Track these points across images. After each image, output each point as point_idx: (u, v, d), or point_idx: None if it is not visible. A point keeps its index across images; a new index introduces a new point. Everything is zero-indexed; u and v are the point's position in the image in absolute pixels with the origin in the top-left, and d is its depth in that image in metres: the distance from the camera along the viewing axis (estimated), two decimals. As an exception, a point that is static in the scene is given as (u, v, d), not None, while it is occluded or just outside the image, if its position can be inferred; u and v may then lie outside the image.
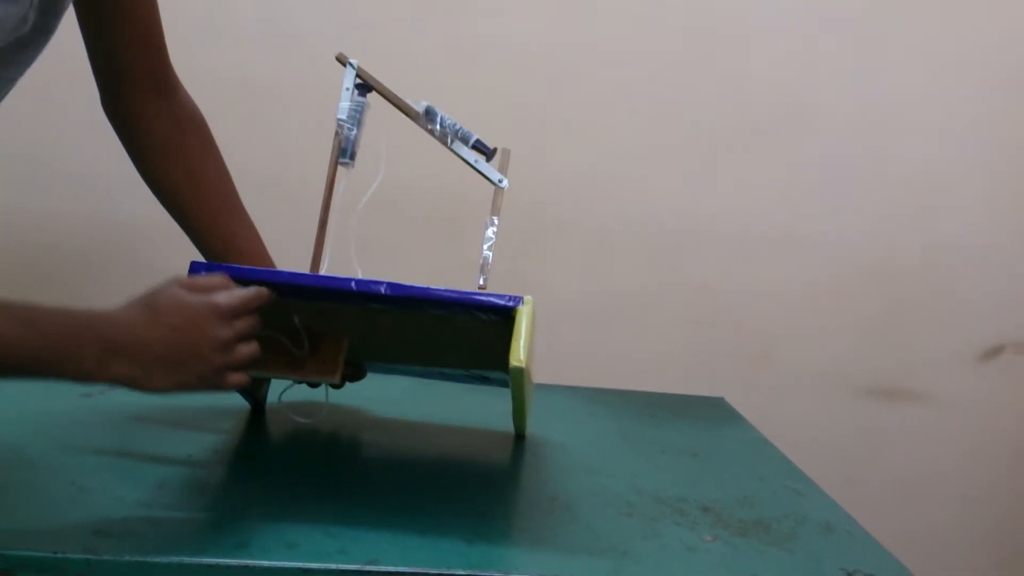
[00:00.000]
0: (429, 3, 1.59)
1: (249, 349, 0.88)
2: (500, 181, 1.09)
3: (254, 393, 1.16)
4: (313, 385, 1.11)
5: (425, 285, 0.93)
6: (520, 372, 0.91)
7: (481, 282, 1.05)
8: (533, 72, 1.62)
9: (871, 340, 1.78)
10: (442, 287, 0.94)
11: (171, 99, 1.09)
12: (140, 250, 1.59)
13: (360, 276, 0.95)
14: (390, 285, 0.92)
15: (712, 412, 1.45)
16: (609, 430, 1.29)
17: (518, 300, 0.94)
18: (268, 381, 1.20)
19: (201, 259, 1.08)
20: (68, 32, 1.00)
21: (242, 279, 0.91)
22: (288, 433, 1.14)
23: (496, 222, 1.08)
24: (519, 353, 0.90)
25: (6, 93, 0.95)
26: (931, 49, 1.70)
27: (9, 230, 1.58)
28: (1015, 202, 1.76)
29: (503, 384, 1.11)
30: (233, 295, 0.87)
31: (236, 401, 1.20)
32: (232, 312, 0.86)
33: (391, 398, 1.32)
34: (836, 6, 1.67)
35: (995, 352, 1.81)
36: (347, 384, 1.12)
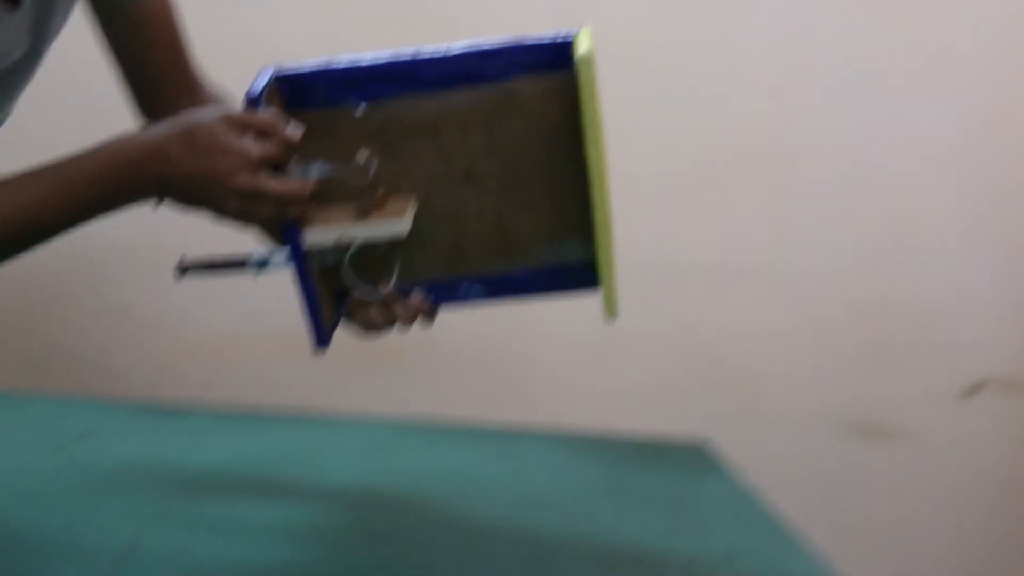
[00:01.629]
0: None
1: (280, 187, 0.85)
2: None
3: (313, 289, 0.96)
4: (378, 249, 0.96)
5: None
6: (588, 63, 0.84)
7: None
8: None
9: (854, 377, 1.78)
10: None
11: (201, 93, 1.11)
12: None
13: None
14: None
15: (696, 458, 1.44)
16: (591, 479, 1.27)
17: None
18: (338, 308, 1.00)
19: None
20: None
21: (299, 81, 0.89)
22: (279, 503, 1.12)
23: None
24: (585, 42, 0.85)
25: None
26: (915, 84, 1.70)
27: None
28: (996, 239, 1.76)
29: (583, 279, 0.99)
30: (265, 148, 0.85)
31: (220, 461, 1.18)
32: (262, 159, 0.85)
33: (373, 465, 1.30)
34: (822, 40, 1.67)
35: (977, 389, 1.80)
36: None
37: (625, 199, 1.64)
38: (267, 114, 0.86)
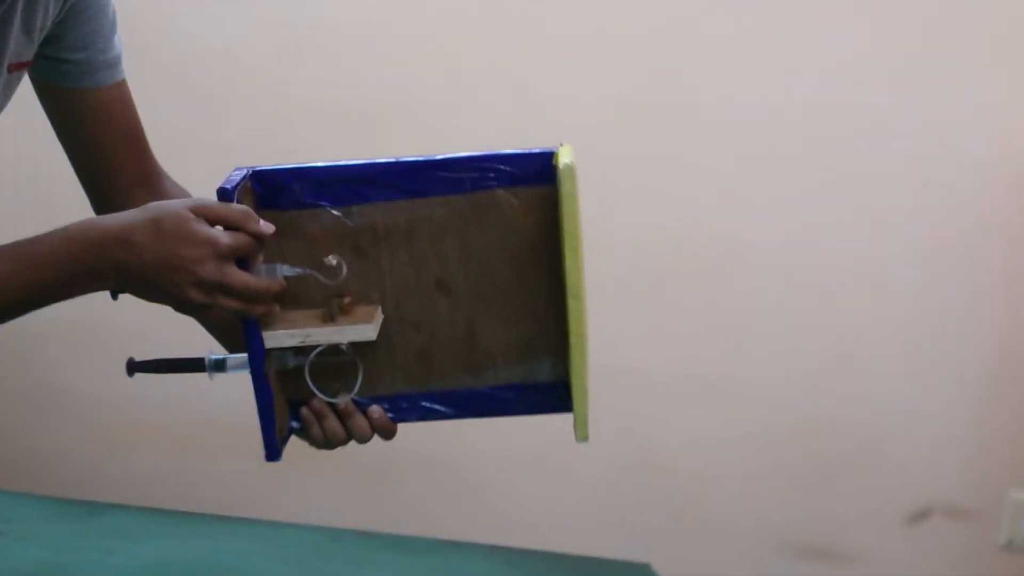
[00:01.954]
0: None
1: (247, 281, 0.83)
2: None
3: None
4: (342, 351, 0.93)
5: None
6: (571, 173, 0.84)
7: None
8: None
9: (800, 496, 1.75)
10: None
11: (159, 184, 1.08)
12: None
13: None
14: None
15: (638, 582, 1.39)
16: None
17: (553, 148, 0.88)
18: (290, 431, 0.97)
19: None
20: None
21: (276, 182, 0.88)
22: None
23: None
24: (567, 155, 0.84)
25: None
26: (859, 204, 1.71)
27: None
28: (940, 363, 1.76)
29: (552, 400, 0.96)
30: (235, 239, 0.82)
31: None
32: (232, 251, 0.82)
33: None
34: (780, 150, 1.68)
35: (923, 515, 1.79)
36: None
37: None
38: (238, 208, 0.84)
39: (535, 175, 0.89)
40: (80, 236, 0.82)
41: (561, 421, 1.61)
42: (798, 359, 1.72)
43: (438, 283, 0.92)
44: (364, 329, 0.87)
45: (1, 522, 1.18)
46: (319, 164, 0.89)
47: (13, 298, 0.81)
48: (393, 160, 0.90)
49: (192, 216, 0.81)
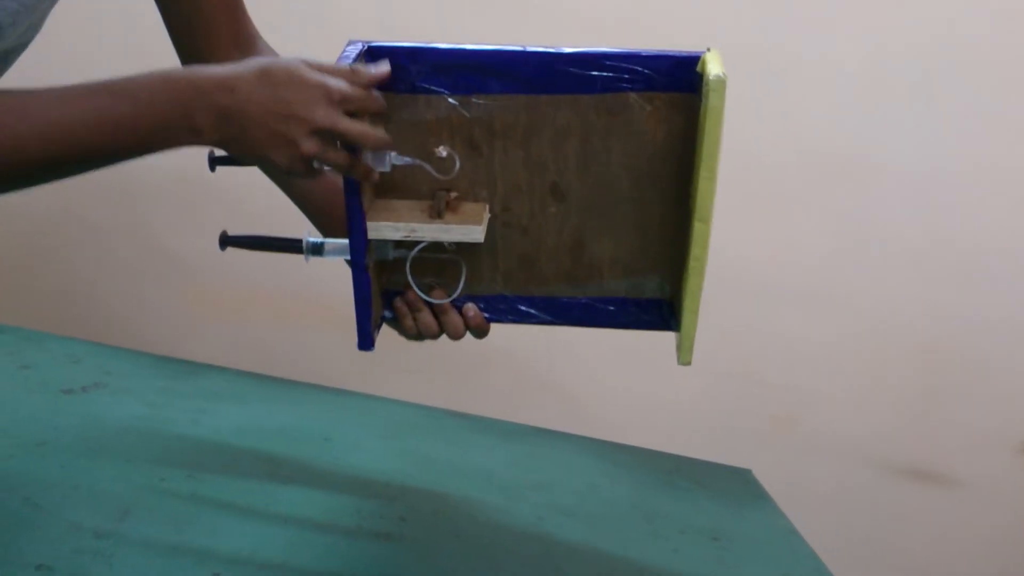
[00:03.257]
0: None
1: (361, 129, 0.78)
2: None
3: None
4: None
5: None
6: (720, 86, 0.76)
7: None
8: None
9: (905, 414, 1.69)
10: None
11: (253, 45, 1.03)
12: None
13: None
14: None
15: (737, 488, 1.34)
16: (624, 498, 1.18)
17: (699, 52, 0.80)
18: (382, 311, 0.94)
19: None
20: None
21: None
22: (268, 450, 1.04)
23: None
24: (716, 64, 0.77)
25: None
26: (1000, 114, 1.58)
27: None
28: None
29: (655, 318, 0.93)
30: (349, 87, 0.77)
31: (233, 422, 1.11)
32: (344, 98, 0.77)
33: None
34: (904, 59, 1.57)
35: (1035, 444, 1.70)
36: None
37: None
38: (354, 67, 0.79)
39: (675, 82, 0.81)
40: (181, 78, 0.76)
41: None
42: (918, 276, 1.63)
43: (552, 188, 0.87)
44: (472, 230, 0.83)
45: (101, 374, 1.19)
46: (439, 46, 0.83)
47: (91, 143, 0.75)
48: (520, 49, 0.82)
49: (303, 66, 0.76)
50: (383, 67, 0.80)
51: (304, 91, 0.76)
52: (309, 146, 0.76)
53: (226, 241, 0.87)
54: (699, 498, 1.25)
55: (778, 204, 1.60)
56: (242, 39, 1.02)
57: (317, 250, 0.85)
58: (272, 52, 1.04)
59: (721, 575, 1.00)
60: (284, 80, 0.76)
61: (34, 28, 0.86)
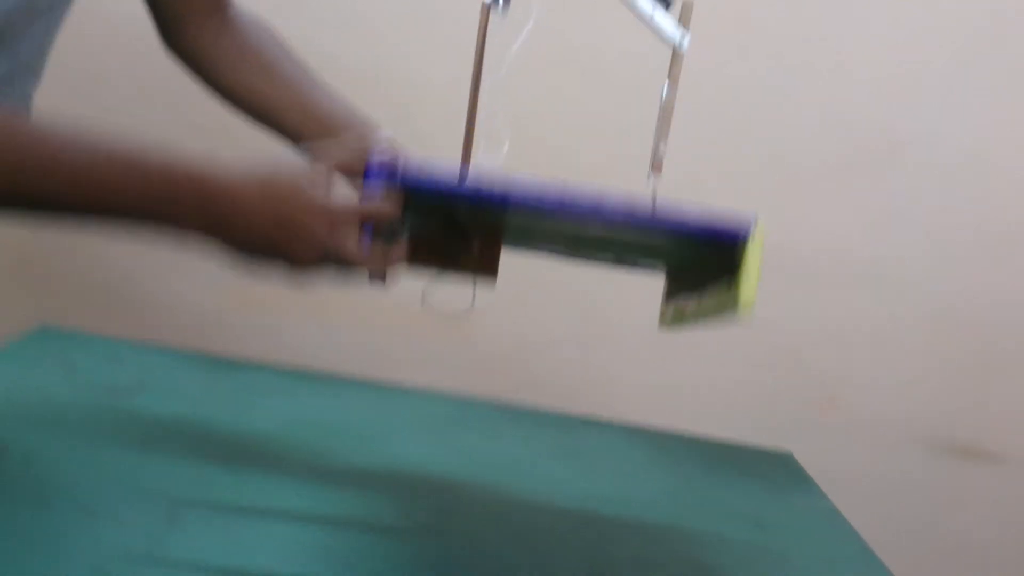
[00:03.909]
0: None
1: (354, 254, 0.78)
2: (680, 42, 0.86)
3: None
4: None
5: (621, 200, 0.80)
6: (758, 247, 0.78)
7: (652, 191, 0.88)
8: (607, 83, 1.52)
9: (952, 392, 1.66)
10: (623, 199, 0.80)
11: (229, 10, 1.04)
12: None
13: (507, 147, 0.85)
14: (592, 205, 0.79)
15: (779, 472, 1.33)
16: (666, 485, 1.18)
17: (750, 225, 0.80)
18: None
19: None
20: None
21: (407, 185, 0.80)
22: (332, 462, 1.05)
23: (670, 92, 0.87)
24: (751, 292, 0.77)
25: (31, 84, 0.87)
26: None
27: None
28: None
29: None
30: (354, 208, 0.77)
31: (275, 422, 1.12)
32: (347, 220, 0.77)
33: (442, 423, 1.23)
34: (946, 33, 1.54)
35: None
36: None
37: (722, 188, 1.56)
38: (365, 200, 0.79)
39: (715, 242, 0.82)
40: (186, 175, 0.74)
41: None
42: (956, 248, 1.60)
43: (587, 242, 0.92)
44: (487, 276, 0.89)
45: (144, 373, 1.20)
46: (473, 185, 0.79)
47: (94, 200, 0.73)
48: (559, 195, 0.79)
49: (309, 178, 0.76)
50: (392, 204, 0.79)
51: (306, 212, 0.75)
52: (306, 260, 0.77)
53: None
54: (742, 483, 1.24)
55: (819, 187, 1.58)
56: (219, 5, 1.03)
57: None
58: (246, 10, 1.05)
59: (766, 560, 0.99)
60: (287, 195, 0.75)
61: None
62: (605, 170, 1.47)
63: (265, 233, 0.75)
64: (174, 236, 0.76)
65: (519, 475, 1.11)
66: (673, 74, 0.88)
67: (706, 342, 1.62)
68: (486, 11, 0.83)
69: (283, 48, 1.05)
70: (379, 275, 0.80)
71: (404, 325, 1.58)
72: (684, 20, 0.87)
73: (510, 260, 0.95)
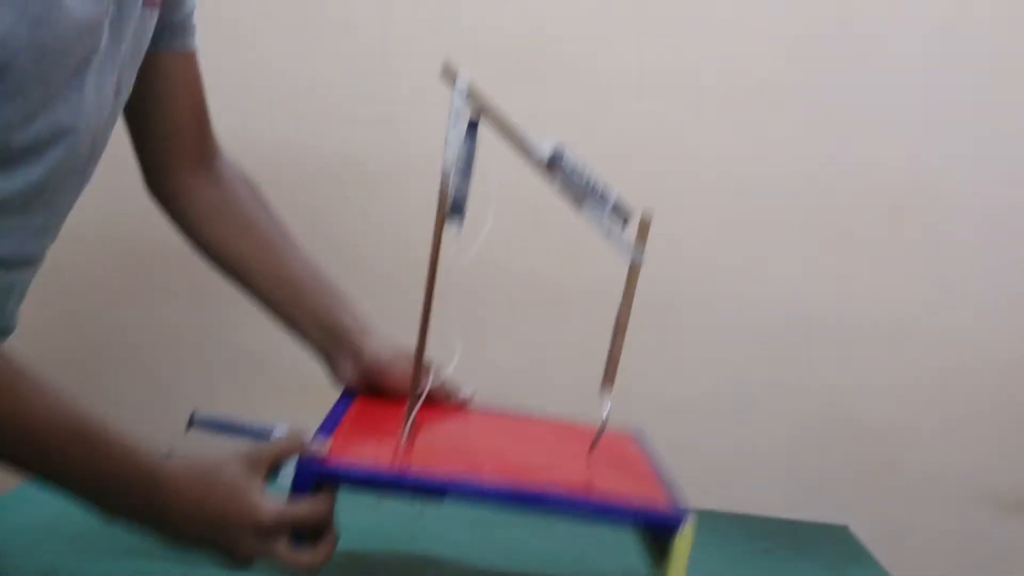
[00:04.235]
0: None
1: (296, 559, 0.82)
2: (637, 260, 0.89)
3: None
4: None
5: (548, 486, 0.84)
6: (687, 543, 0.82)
7: (605, 413, 0.91)
8: (639, 157, 1.52)
9: (1008, 445, 1.61)
10: (564, 490, 0.84)
11: (216, 162, 1.07)
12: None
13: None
14: (503, 492, 0.83)
15: (836, 548, 1.29)
16: (717, 569, 1.15)
17: (683, 515, 0.84)
18: None
19: None
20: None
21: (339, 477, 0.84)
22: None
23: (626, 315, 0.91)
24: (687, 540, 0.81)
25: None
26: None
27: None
28: None
29: None
30: (286, 514, 0.80)
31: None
32: (280, 526, 0.80)
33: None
34: (980, 78, 1.53)
35: None
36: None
37: (759, 247, 1.55)
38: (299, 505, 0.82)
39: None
40: (137, 467, 0.78)
41: (751, 379, 1.53)
42: (1002, 298, 1.58)
43: None
44: None
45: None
46: (401, 474, 0.84)
47: (64, 471, 0.76)
48: (497, 492, 0.83)
49: (246, 482, 0.79)
50: (323, 505, 0.82)
51: (240, 519, 0.79)
52: (238, 558, 0.80)
53: (192, 423, 0.93)
54: (797, 562, 1.21)
55: (859, 244, 1.56)
56: (205, 156, 1.05)
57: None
58: (232, 161, 1.07)
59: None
60: (224, 499, 0.79)
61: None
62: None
63: (199, 532, 0.79)
64: (112, 515, 0.79)
65: (559, 565, 1.08)
66: (628, 290, 0.89)
67: (747, 409, 1.59)
68: (441, 221, 0.85)
69: (263, 206, 1.08)
70: (308, 572, 0.83)
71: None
72: (641, 236, 0.88)
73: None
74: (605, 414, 0.90)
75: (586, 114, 1.51)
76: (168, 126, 1.02)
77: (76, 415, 0.75)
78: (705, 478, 1.57)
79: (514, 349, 1.58)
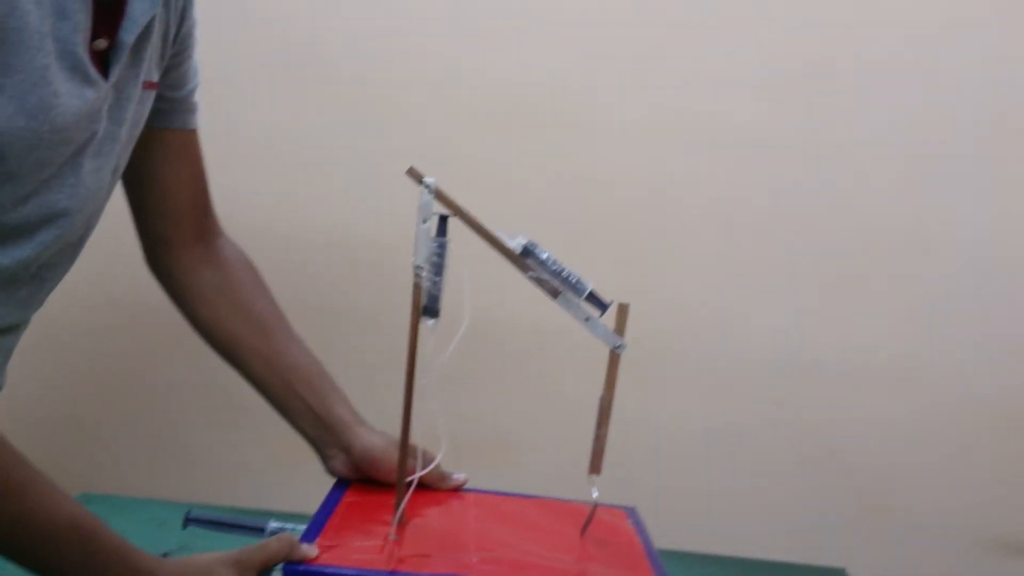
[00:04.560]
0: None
1: None
2: (618, 346, 0.92)
3: None
4: None
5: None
6: None
7: (595, 495, 0.93)
8: (634, 197, 1.55)
9: (1004, 487, 1.62)
10: None
11: (216, 241, 1.08)
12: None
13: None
14: None
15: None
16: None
17: None
18: None
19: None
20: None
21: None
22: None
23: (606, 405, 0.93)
24: None
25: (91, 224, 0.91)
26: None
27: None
28: None
29: None
30: None
31: None
32: None
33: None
34: (961, 121, 1.55)
35: None
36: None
37: (750, 289, 1.57)
38: None
39: None
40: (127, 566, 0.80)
41: (744, 420, 1.53)
42: (992, 338, 1.59)
43: None
44: None
45: (186, 535, 1.20)
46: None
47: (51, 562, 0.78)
48: None
49: None
50: None
51: None
52: None
53: (188, 521, 0.97)
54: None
55: (845, 285, 1.58)
56: (206, 234, 1.06)
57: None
58: (230, 239, 1.09)
59: None
60: None
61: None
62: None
63: None
64: None
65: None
66: (610, 376, 0.90)
67: (739, 452, 1.60)
68: (416, 321, 0.87)
69: (262, 290, 1.09)
70: None
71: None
72: (620, 325, 0.90)
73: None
74: (594, 499, 0.92)
75: (577, 160, 1.54)
76: (168, 204, 1.02)
77: (77, 518, 0.78)
78: (701, 521, 1.58)
79: (507, 398, 1.59)
